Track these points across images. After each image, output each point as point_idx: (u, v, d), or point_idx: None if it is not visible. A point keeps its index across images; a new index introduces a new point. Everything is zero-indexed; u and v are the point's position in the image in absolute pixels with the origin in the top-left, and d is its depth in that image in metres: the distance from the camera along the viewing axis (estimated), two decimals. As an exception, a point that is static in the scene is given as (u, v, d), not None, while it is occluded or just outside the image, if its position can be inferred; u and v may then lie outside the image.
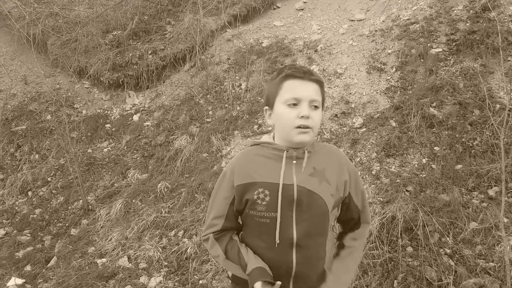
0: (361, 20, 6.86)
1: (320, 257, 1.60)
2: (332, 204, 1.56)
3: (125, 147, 6.30)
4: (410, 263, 3.26)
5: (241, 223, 1.69)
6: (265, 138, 1.66)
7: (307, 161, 1.55)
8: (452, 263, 3.17)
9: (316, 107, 1.52)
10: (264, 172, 1.54)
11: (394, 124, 4.71)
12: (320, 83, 1.56)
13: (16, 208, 5.57)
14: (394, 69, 5.50)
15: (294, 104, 1.49)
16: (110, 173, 5.88)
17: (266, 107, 1.62)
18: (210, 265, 3.76)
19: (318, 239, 1.57)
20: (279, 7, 8.30)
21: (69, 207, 5.41)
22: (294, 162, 1.54)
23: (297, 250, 1.52)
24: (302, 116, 1.47)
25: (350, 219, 1.71)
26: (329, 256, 1.64)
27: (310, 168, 1.55)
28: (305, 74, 1.51)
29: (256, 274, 1.50)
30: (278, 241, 1.51)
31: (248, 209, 1.56)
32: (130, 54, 7.40)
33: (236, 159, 1.63)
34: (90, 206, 5.26)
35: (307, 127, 1.49)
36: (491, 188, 3.74)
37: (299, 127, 1.48)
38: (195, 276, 3.69)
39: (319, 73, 5.98)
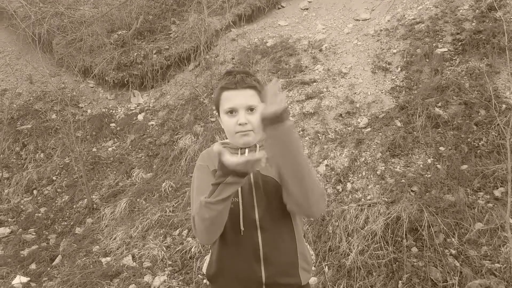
0: (366, 19, 6.84)
1: (285, 240, 1.65)
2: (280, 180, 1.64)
3: (130, 146, 6.32)
4: (415, 263, 3.25)
5: None
6: (226, 141, 1.79)
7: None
8: (458, 264, 3.15)
9: (253, 109, 1.64)
10: None
11: (399, 124, 4.69)
12: (253, 88, 1.67)
13: (22, 206, 5.60)
14: (399, 68, 5.48)
15: (232, 112, 1.64)
16: (114, 172, 5.89)
17: (216, 114, 1.79)
18: (214, 264, 3.75)
19: (279, 219, 1.64)
20: (283, 7, 8.29)
21: (74, 206, 5.43)
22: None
23: (262, 231, 1.61)
24: (240, 124, 1.62)
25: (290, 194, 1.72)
26: (300, 247, 1.68)
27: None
28: (237, 84, 1.64)
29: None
30: (242, 228, 1.61)
31: None
32: (135, 54, 7.42)
33: (204, 153, 1.77)
34: (94, 205, 5.27)
35: (247, 131, 1.63)
36: (497, 188, 3.72)
37: (239, 131, 1.63)
38: (199, 275, 3.69)
39: (324, 72, 5.97)
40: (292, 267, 1.66)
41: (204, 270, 1.76)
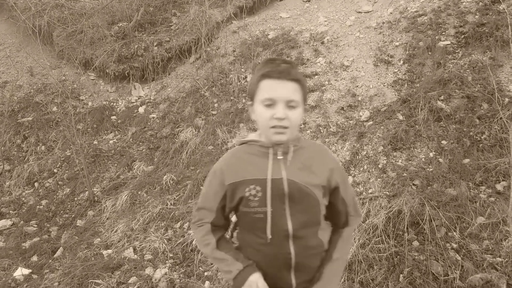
0: (368, 12, 6.79)
1: (316, 246, 1.62)
2: (321, 194, 1.59)
3: (131, 139, 6.31)
4: (416, 257, 3.24)
5: (232, 220, 1.73)
6: (252, 136, 1.67)
7: (294, 156, 1.57)
8: (459, 258, 3.15)
9: (293, 107, 1.51)
10: (253, 169, 1.56)
11: (401, 117, 4.67)
12: (298, 82, 1.53)
13: (23, 199, 5.61)
14: (401, 61, 5.45)
15: (270, 105, 1.49)
16: (116, 165, 5.89)
17: (249, 102, 1.63)
18: (215, 257, 3.76)
19: (313, 229, 1.60)
20: (285, -1, 8.24)
21: (75, 199, 5.43)
22: (281, 157, 1.57)
23: (294, 242, 1.54)
24: (277, 118, 1.48)
25: (337, 212, 1.70)
26: (326, 244, 1.66)
27: (298, 162, 1.57)
28: (281, 74, 1.50)
29: (251, 268, 1.56)
30: (269, 236, 1.53)
31: (242, 207, 1.58)
32: (136, 46, 7.38)
33: (224, 159, 1.65)
34: (96, 198, 5.28)
35: (283, 127, 1.49)
36: (499, 182, 3.70)
37: (274, 127, 1.49)
38: (200, 268, 3.70)
39: (326, 65, 5.94)
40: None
41: None
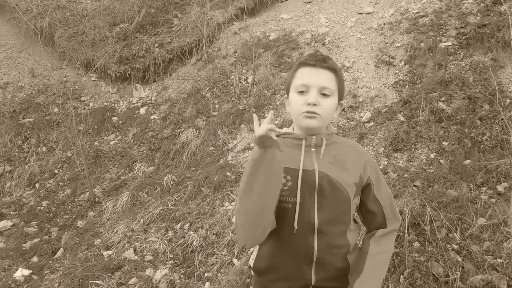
0: (369, 13, 6.78)
1: (342, 246, 1.58)
2: (354, 193, 1.57)
3: (132, 140, 6.31)
4: (416, 258, 3.23)
5: None
6: (285, 129, 1.66)
7: (327, 150, 1.58)
8: (460, 259, 3.14)
9: (326, 95, 1.52)
10: (285, 159, 1.53)
11: (402, 118, 4.66)
12: (334, 71, 1.55)
13: (24, 200, 5.61)
14: (402, 62, 5.44)
15: (304, 91, 1.52)
16: (116, 165, 5.89)
17: (285, 95, 1.66)
18: (216, 258, 3.76)
19: (340, 227, 1.57)
20: (286, 0, 8.24)
21: (76, 199, 5.43)
22: (313, 149, 1.57)
23: (319, 236, 1.52)
24: (309, 103, 1.49)
25: (369, 212, 1.67)
26: (352, 247, 1.62)
27: (330, 156, 1.57)
28: (317, 62, 1.53)
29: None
30: (296, 227, 1.51)
31: None
32: (137, 47, 7.39)
33: None
34: (96, 199, 5.28)
35: (314, 113, 1.50)
36: (500, 183, 3.69)
37: (305, 112, 1.51)
38: (200, 269, 3.70)
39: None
40: (343, 273, 1.61)
41: (251, 263, 1.68)
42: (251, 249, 1.76)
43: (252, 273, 1.72)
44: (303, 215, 1.52)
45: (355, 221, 1.68)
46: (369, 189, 1.63)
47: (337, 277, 1.59)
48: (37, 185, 5.85)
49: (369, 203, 1.64)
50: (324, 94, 1.52)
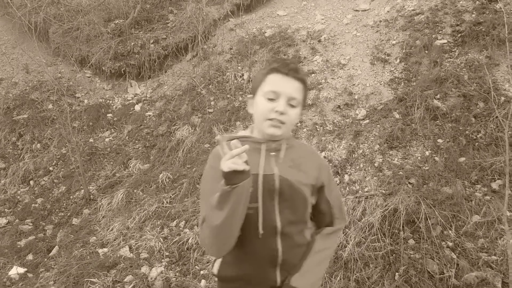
0: (365, 10, 6.78)
1: (302, 244, 1.63)
2: (310, 193, 1.62)
3: (127, 137, 6.29)
4: (411, 255, 3.25)
5: None
6: (242, 132, 1.70)
7: (286, 154, 1.61)
8: (454, 256, 3.16)
9: (293, 105, 1.55)
10: None
11: (397, 116, 4.67)
12: (303, 82, 1.59)
13: (18, 197, 5.58)
14: (398, 60, 5.45)
15: (273, 99, 1.53)
16: (111, 163, 5.87)
17: (250, 96, 1.66)
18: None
19: (299, 226, 1.62)
20: (282, -3, 8.21)
21: (71, 197, 5.41)
22: (273, 153, 1.59)
23: (282, 238, 1.55)
24: (277, 111, 1.51)
25: (320, 212, 1.72)
26: (309, 243, 1.67)
27: (288, 160, 1.60)
28: (290, 71, 1.55)
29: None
30: (261, 231, 1.53)
31: None
32: (132, 43, 7.35)
33: (214, 154, 1.60)
34: (91, 196, 5.26)
35: (281, 122, 1.53)
36: (495, 181, 3.72)
37: (272, 119, 1.52)
38: (196, 267, 3.70)
39: (322, 63, 5.94)
40: None
41: (215, 271, 1.67)
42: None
43: (216, 280, 1.73)
44: (265, 219, 1.53)
45: (310, 218, 1.73)
46: (321, 191, 1.67)
47: None
48: (31, 182, 5.81)
49: (321, 204, 1.69)
50: (291, 105, 1.55)
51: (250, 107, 1.65)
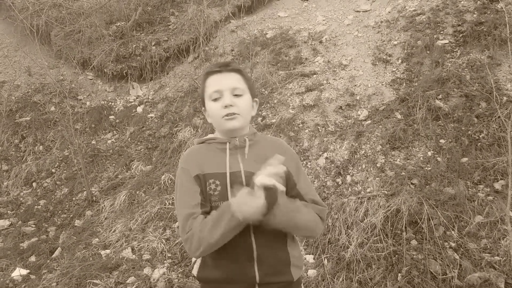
0: (366, 11, 6.78)
1: (278, 237, 1.62)
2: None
3: (129, 138, 6.30)
4: (414, 256, 3.24)
5: None
6: (209, 135, 1.74)
7: (251, 149, 1.64)
8: (457, 257, 3.15)
9: (238, 95, 1.60)
10: (212, 164, 1.61)
11: (399, 116, 4.67)
12: (239, 71, 1.65)
13: (21, 199, 5.60)
14: (399, 60, 5.44)
15: (218, 98, 1.60)
16: (114, 164, 5.88)
17: (203, 108, 1.74)
18: (214, 257, 3.75)
19: None
20: (283, -2, 8.22)
21: (73, 198, 5.42)
22: (237, 151, 1.63)
23: (255, 232, 1.57)
24: (225, 106, 1.57)
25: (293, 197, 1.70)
26: (290, 237, 1.68)
27: (253, 155, 1.63)
28: (222, 67, 1.63)
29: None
30: None
31: (205, 202, 1.60)
32: (134, 46, 7.37)
33: (185, 154, 1.69)
34: (94, 198, 5.27)
35: (233, 114, 1.58)
36: (497, 181, 3.70)
37: (225, 115, 1.58)
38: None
39: (324, 64, 5.94)
40: (284, 265, 1.65)
41: (195, 272, 1.69)
42: (193, 259, 1.78)
43: (198, 282, 1.74)
44: None
45: None
46: (289, 179, 1.65)
47: (281, 270, 1.63)
48: (34, 184, 5.83)
49: (290, 193, 1.66)
50: (236, 95, 1.60)
51: (207, 118, 1.70)
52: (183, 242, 1.58)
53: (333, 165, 4.47)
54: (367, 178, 4.16)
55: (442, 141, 4.25)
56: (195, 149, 1.70)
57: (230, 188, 1.55)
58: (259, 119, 5.48)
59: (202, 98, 1.69)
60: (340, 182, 4.26)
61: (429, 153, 4.18)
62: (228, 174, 1.57)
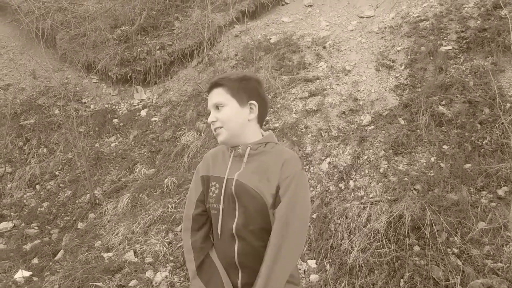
0: (370, 16, 6.80)
1: (260, 250, 1.58)
2: (271, 202, 1.58)
3: (133, 142, 6.32)
4: (417, 262, 3.24)
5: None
6: None
7: (253, 159, 1.65)
8: (460, 263, 3.14)
9: (219, 107, 1.66)
10: (218, 167, 1.70)
11: (402, 122, 4.67)
12: (218, 85, 1.68)
13: (24, 201, 5.61)
14: (403, 66, 5.46)
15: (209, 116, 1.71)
16: (117, 167, 5.90)
17: None
18: (216, 261, 3.75)
19: (258, 233, 1.59)
20: (287, 3, 8.26)
21: (77, 201, 5.44)
22: (237, 159, 1.67)
23: (238, 241, 1.60)
24: (209, 122, 1.69)
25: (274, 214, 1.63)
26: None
27: (253, 166, 1.64)
28: (208, 87, 1.73)
29: None
30: (219, 232, 1.63)
31: (206, 201, 1.71)
32: (138, 50, 7.41)
33: (206, 154, 1.82)
34: (97, 200, 5.28)
35: (217, 128, 1.66)
36: (501, 187, 3.70)
37: (214, 131, 1.69)
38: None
39: (327, 70, 5.95)
40: None
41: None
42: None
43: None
44: (225, 221, 1.62)
45: None
46: (277, 193, 1.59)
47: None
48: (37, 186, 5.85)
49: (273, 209, 1.60)
50: (218, 108, 1.67)
51: None
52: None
53: (336, 170, 4.47)
54: (370, 183, 4.16)
55: (445, 147, 4.25)
56: (215, 150, 1.80)
57: (223, 193, 1.63)
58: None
59: None
60: (343, 187, 4.27)
61: (432, 159, 4.18)
62: (225, 179, 1.64)
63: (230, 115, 1.64)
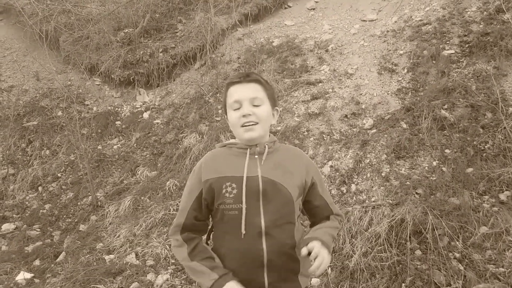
0: (373, 20, 6.81)
1: (290, 246, 1.64)
2: (297, 194, 1.66)
3: (135, 144, 6.33)
4: (418, 266, 3.23)
5: (210, 221, 1.78)
6: (231, 140, 1.79)
7: (270, 157, 1.67)
8: (461, 268, 3.13)
9: (257, 105, 1.65)
10: (230, 167, 1.65)
11: (404, 125, 4.67)
12: (258, 81, 1.68)
13: (27, 203, 5.63)
14: (405, 70, 5.45)
15: (238, 108, 1.65)
16: (119, 170, 5.91)
17: (225, 116, 1.79)
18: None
19: (286, 227, 1.64)
20: (290, 7, 8.28)
21: (78, 203, 5.45)
22: (256, 157, 1.67)
23: (267, 239, 1.58)
24: (244, 115, 1.62)
25: (315, 207, 1.78)
26: (299, 245, 1.69)
27: (272, 162, 1.67)
28: (242, 78, 1.68)
29: (227, 277, 1.56)
30: (244, 232, 1.58)
31: (218, 204, 1.64)
32: (141, 52, 7.43)
33: (204, 157, 1.76)
34: (99, 203, 5.29)
35: (252, 123, 1.62)
36: (503, 192, 3.69)
37: (244, 125, 1.63)
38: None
39: (330, 73, 5.96)
40: (293, 273, 1.67)
41: None
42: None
43: None
44: (250, 220, 1.59)
45: (303, 214, 1.81)
46: (314, 188, 1.74)
47: (289, 277, 1.66)
48: (40, 188, 5.87)
49: (316, 201, 1.76)
50: (255, 105, 1.64)
51: (230, 127, 1.74)
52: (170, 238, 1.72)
53: (337, 173, 4.47)
54: (372, 187, 4.16)
55: (447, 151, 4.24)
56: (214, 153, 1.75)
57: (245, 192, 1.59)
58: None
59: (224, 107, 1.74)
60: (344, 191, 4.26)
61: (434, 163, 4.17)
62: (245, 178, 1.60)
63: (266, 115, 1.68)
